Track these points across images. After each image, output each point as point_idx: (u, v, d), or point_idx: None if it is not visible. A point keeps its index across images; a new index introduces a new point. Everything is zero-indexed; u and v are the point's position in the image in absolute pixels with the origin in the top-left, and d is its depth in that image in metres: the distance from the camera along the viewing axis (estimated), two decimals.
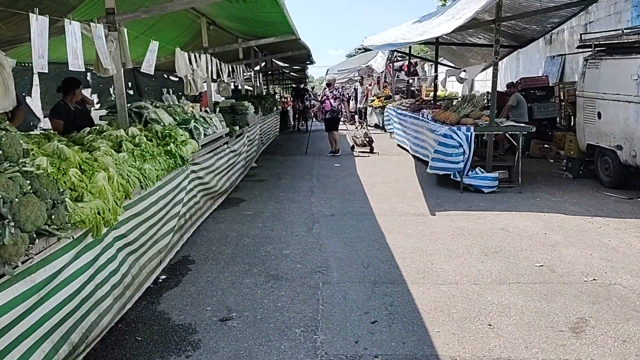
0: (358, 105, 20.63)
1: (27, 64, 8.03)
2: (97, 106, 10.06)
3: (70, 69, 4.65)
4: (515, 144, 8.81)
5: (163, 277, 5.11)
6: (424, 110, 11.85)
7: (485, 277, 4.99)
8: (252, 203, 8.26)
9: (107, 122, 6.34)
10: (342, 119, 14.09)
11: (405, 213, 7.37)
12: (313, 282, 4.90)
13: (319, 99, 14.06)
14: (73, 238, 3.00)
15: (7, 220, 2.37)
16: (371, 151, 13.75)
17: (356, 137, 14.44)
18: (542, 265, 5.24)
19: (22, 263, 2.52)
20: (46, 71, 4.29)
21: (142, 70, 6.94)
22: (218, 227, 6.88)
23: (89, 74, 10.16)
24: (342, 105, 13.61)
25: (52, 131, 5.18)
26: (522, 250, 5.72)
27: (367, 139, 14.07)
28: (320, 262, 5.42)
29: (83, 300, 3.37)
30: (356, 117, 22.60)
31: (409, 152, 13.25)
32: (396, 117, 15.32)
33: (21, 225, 2.47)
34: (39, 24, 4.19)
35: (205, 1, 6.20)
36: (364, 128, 19.62)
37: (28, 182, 2.74)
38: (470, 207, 7.67)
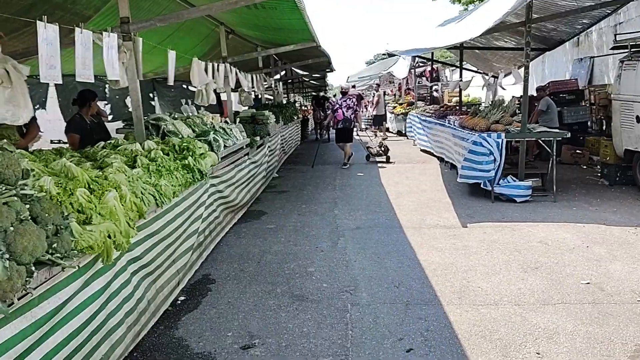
0: (372, 112, 20.20)
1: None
2: (110, 118, 9.90)
3: (77, 79, 4.42)
4: (548, 150, 8.38)
5: (182, 298, 4.83)
6: (450, 116, 11.46)
7: (527, 296, 4.60)
8: (274, 216, 7.96)
9: (123, 135, 6.13)
10: (355, 129, 13.41)
11: (434, 225, 7.00)
12: (341, 304, 4.56)
13: (332, 107, 13.42)
14: (78, 267, 2.72)
15: (1, 252, 2.10)
16: (387, 161, 13.24)
17: (371, 147, 13.92)
18: (588, 283, 4.83)
19: (19, 299, 2.24)
20: (60, 82, 4.05)
21: (169, 83, 6.74)
22: (239, 242, 6.59)
23: (107, 86, 10.04)
24: (355, 115, 12.93)
25: (64, 147, 4.95)
26: (564, 265, 5.31)
27: (383, 149, 13.58)
28: (348, 281, 5.09)
29: (93, 332, 3.09)
30: (363, 125, 22.26)
31: (434, 159, 12.86)
32: (420, 124, 14.94)
33: (17, 257, 2.20)
34: (47, 32, 3.96)
35: (222, 8, 5.94)
36: (379, 136, 19.30)
37: (27, 206, 2.47)
38: (504, 217, 7.26)
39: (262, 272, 5.47)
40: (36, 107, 8.43)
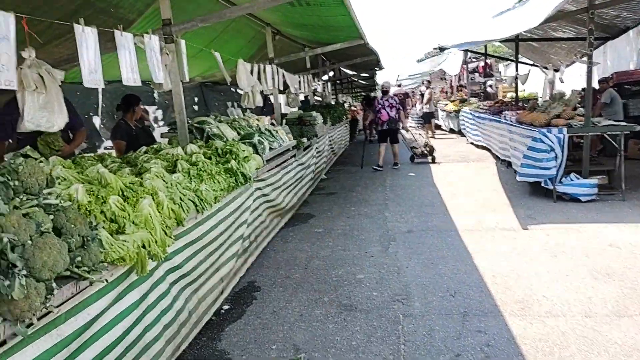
0: (423, 109, 19.61)
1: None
2: (161, 123, 9.93)
3: (125, 83, 4.34)
4: (615, 145, 7.77)
5: (226, 307, 4.66)
6: (506, 112, 10.90)
7: (599, 307, 4.16)
8: (321, 219, 7.72)
9: (167, 139, 6.04)
10: (400, 129, 12.65)
11: (492, 228, 6.57)
12: (392, 314, 4.26)
13: (374, 108, 12.71)
14: (106, 281, 2.55)
15: (18, 269, 1.93)
16: (433, 161, 12.60)
17: (415, 148, 13.23)
18: None
19: (39, 319, 2.08)
20: (102, 86, 4.00)
21: (227, 84, 6.64)
22: (286, 247, 6.38)
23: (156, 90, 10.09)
24: (400, 115, 12.24)
25: (107, 153, 4.87)
26: (639, 272, 4.82)
27: (428, 149, 12.89)
28: (400, 289, 4.78)
29: (128, 348, 2.92)
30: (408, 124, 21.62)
31: (489, 158, 12.31)
32: (473, 121, 14.37)
33: (36, 273, 2.03)
34: (86, 35, 3.86)
35: (264, 5, 5.75)
36: (429, 134, 18.71)
37: (51, 217, 2.32)
38: (568, 218, 6.75)
39: (308, 278, 5.24)
40: (90, 114, 8.53)
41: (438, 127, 20.53)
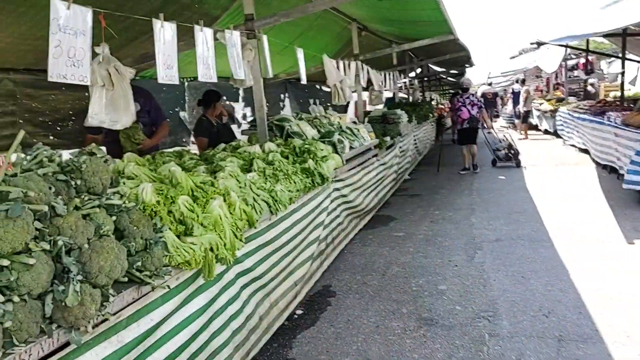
0: (520, 109, 18.51)
1: (181, 79, 8.08)
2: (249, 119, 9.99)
3: (199, 79, 4.29)
4: None
5: (299, 312, 4.49)
6: (610, 113, 10.00)
7: None
8: (403, 222, 7.40)
9: (247, 136, 5.99)
10: (480, 128, 11.75)
11: (592, 240, 5.96)
12: (476, 333, 3.90)
13: (453, 106, 11.94)
14: (168, 288, 2.43)
15: (73, 274, 1.83)
16: (517, 166, 11.61)
17: (498, 150, 12.17)
18: None
19: (94, 327, 1.97)
20: (176, 82, 3.93)
21: (302, 81, 6.57)
22: (364, 250, 6.14)
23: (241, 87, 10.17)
24: (482, 114, 11.42)
25: (185, 149, 4.86)
26: None
27: (513, 152, 11.88)
28: (485, 305, 4.39)
29: (193, 355, 2.80)
30: (516, 121, 20.38)
31: (588, 161, 11.38)
32: (572, 122, 13.38)
33: (92, 279, 1.93)
34: (164, 31, 3.82)
35: None
36: (522, 135, 17.65)
37: (113, 219, 2.22)
38: None
39: (386, 286, 4.97)
40: (176, 109, 8.72)
41: (533, 127, 19.38)
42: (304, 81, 6.63)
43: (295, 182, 4.32)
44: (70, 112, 6.23)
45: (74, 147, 6.04)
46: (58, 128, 6.16)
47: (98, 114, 3.68)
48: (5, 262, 1.68)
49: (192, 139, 8.00)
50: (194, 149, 6.62)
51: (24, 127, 5.54)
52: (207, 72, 4.34)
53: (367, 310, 4.45)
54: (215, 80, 4.43)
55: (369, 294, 4.80)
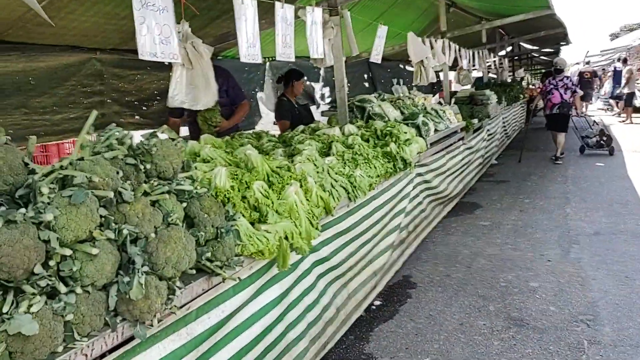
0: (622, 90, 17.02)
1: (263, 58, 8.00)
2: (327, 100, 9.81)
3: (278, 59, 4.15)
4: None
5: (377, 303, 4.29)
6: None
7: None
8: (489, 210, 6.97)
9: (327, 118, 5.80)
10: (572, 114, 10.56)
11: None
12: (574, 339, 3.52)
13: (544, 88, 10.81)
14: (239, 280, 2.29)
15: (138, 265, 1.72)
16: (611, 153, 10.55)
17: (587, 137, 11.04)
18: None
19: (160, 321, 1.87)
20: (259, 61, 3.83)
21: (370, 60, 6.30)
22: (447, 240, 5.81)
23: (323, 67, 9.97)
24: (575, 99, 10.24)
25: (264, 131, 4.74)
26: None
27: (604, 138, 10.74)
28: (584, 307, 3.98)
29: (268, 349, 2.67)
30: (615, 103, 18.74)
31: None
32: None
33: (159, 271, 1.81)
34: (245, 8, 3.68)
35: None
36: (625, 118, 16.26)
37: (183, 205, 2.10)
38: None
39: (472, 280, 4.65)
40: (255, 90, 8.68)
41: (637, 110, 17.81)
42: (378, 61, 6.33)
43: (375, 167, 4.08)
44: (156, 92, 6.29)
45: (158, 127, 6.12)
46: (144, 108, 6.25)
47: (178, 95, 3.64)
48: (68, 252, 1.59)
49: (266, 119, 7.95)
50: (273, 129, 6.53)
51: (111, 106, 5.65)
52: (286, 51, 4.19)
53: (450, 306, 4.17)
54: (293, 59, 4.28)
55: (452, 288, 4.51)
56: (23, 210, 1.54)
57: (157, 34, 2.91)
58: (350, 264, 3.75)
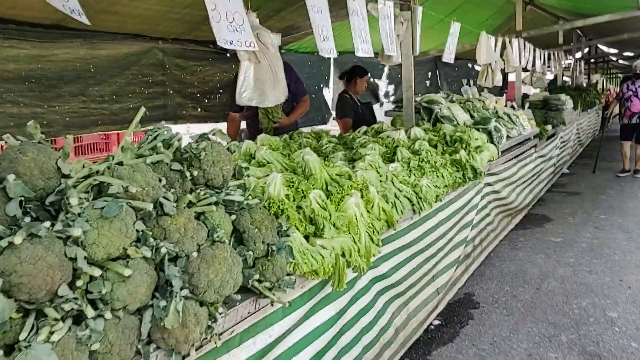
0: None
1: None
2: (392, 99, 9.48)
3: (357, 54, 3.96)
4: None
5: (436, 322, 3.97)
6: None
7: None
8: (560, 225, 6.46)
9: (391, 119, 5.50)
10: None
11: None
12: None
13: (621, 94, 9.87)
14: (288, 304, 2.04)
15: (176, 288, 1.51)
16: None
17: None
18: None
19: (197, 350, 1.64)
20: (334, 55, 3.66)
21: (443, 60, 5.98)
22: (514, 256, 5.39)
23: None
24: None
25: (324, 131, 4.49)
26: None
27: None
28: None
29: None
30: None
31: None
32: None
33: (199, 295, 1.59)
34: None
35: None
36: None
37: (232, 217, 1.88)
38: None
39: (541, 303, 4.24)
40: (319, 86, 8.46)
41: None
42: (451, 61, 5.97)
43: (443, 177, 3.75)
44: (219, 85, 6.17)
45: (221, 120, 6.00)
46: (206, 100, 6.14)
47: (246, 91, 3.46)
48: (98, 272, 1.39)
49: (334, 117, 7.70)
50: (335, 128, 6.28)
51: (173, 98, 5.55)
52: (363, 46, 3.96)
53: (516, 332, 3.79)
54: (371, 54, 4.09)
55: (519, 311, 4.13)
56: (47, 223, 1.35)
57: (230, 21, 2.77)
58: (412, 281, 3.46)
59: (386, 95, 10.19)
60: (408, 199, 3.22)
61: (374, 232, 2.70)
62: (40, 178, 1.46)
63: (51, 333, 1.31)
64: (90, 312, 1.39)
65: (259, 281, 1.91)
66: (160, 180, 1.64)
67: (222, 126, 6.13)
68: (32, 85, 3.90)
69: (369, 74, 6.40)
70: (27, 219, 1.38)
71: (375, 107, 8.07)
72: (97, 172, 1.52)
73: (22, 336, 1.29)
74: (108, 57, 4.52)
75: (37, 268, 1.29)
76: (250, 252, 1.82)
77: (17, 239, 1.27)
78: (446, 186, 3.77)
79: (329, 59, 8.08)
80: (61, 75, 4.09)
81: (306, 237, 2.31)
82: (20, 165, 1.44)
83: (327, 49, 3.57)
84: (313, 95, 7.48)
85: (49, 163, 1.49)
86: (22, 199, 1.39)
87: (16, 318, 1.32)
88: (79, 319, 1.41)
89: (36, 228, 1.32)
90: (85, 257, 1.37)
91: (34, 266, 1.29)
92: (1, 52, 3.76)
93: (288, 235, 2.05)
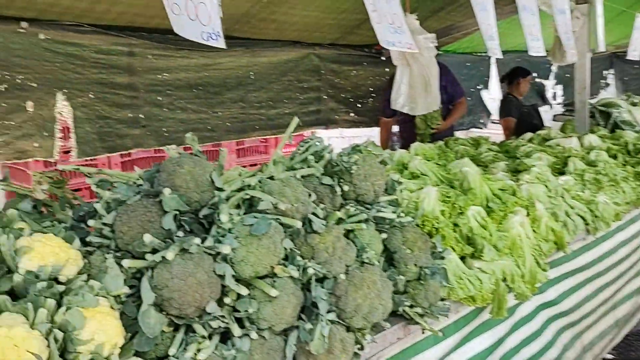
0: None
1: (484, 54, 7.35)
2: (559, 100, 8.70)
3: (530, 53, 3.75)
4: None
5: (609, 356, 3.49)
6: None
7: None
8: None
9: (560, 124, 4.98)
10: None
11: None
12: None
13: None
14: (441, 333, 1.86)
15: (322, 311, 1.42)
16: None
17: None
18: None
19: None
20: (499, 56, 3.54)
21: (628, 57, 5.33)
22: None
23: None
24: None
25: (483, 137, 4.18)
26: None
27: None
28: None
29: None
30: None
31: None
32: None
33: (346, 319, 1.49)
34: None
35: None
36: None
37: (383, 236, 1.75)
38: None
39: None
40: (477, 87, 8.04)
41: None
42: (636, 58, 5.27)
43: (624, 192, 3.27)
44: (371, 89, 6.13)
45: (373, 125, 5.96)
46: (358, 105, 6.12)
47: (399, 97, 3.37)
48: (245, 291, 1.35)
49: (496, 119, 7.25)
50: (493, 133, 5.90)
51: (326, 103, 5.62)
52: (535, 45, 3.67)
53: None
54: (544, 53, 3.87)
55: None
56: (198, 240, 1.34)
57: (390, 22, 2.68)
58: (587, 310, 3.06)
59: (554, 96, 9.41)
60: (581, 217, 2.84)
61: (540, 254, 2.40)
62: (195, 191, 1.47)
63: (198, 351, 1.30)
64: (237, 330, 1.37)
65: (410, 306, 1.76)
66: (309, 195, 1.58)
67: (374, 131, 6.08)
68: (199, 92, 4.16)
69: (535, 74, 5.93)
70: (181, 233, 1.39)
71: (543, 109, 7.45)
72: (249, 185, 1.49)
73: (171, 351, 1.29)
74: (268, 64, 4.68)
75: (187, 284, 1.28)
76: (402, 277, 1.69)
77: (170, 255, 1.28)
78: (628, 203, 3.28)
79: (488, 59, 7.65)
80: (224, 83, 4.31)
81: (462, 258, 2.12)
82: (177, 177, 1.45)
83: (493, 48, 3.40)
84: (469, 98, 7.11)
85: (204, 176, 1.50)
86: (177, 212, 1.41)
87: (167, 332, 1.33)
88: (224, 336, 1.39)
89: (187, 243, 1.32)
90: (233, 275, 1.35)
91: (184, 282, 1.28)
92: (175, 61, 4.06)
93: (443, 258, 1.87)
